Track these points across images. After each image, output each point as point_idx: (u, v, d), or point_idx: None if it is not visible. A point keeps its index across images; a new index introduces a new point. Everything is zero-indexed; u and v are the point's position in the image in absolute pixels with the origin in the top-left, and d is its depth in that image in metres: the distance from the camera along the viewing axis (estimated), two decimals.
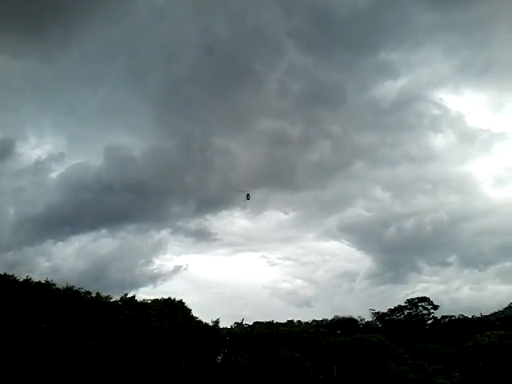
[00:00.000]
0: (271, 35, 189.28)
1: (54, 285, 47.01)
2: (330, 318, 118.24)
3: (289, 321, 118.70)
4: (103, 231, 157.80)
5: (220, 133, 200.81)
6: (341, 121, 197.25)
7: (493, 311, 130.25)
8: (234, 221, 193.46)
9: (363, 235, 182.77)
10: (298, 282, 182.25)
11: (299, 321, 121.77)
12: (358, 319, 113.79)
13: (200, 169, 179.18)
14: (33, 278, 46.37)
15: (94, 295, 49.38)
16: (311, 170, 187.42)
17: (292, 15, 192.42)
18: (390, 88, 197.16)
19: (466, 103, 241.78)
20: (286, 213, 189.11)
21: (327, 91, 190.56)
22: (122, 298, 54.50)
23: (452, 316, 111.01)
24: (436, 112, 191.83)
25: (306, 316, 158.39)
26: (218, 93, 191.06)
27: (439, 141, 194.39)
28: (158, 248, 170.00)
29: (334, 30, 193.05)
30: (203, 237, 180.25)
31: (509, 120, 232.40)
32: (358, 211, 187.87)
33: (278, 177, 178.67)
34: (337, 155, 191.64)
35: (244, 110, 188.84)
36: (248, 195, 58.68)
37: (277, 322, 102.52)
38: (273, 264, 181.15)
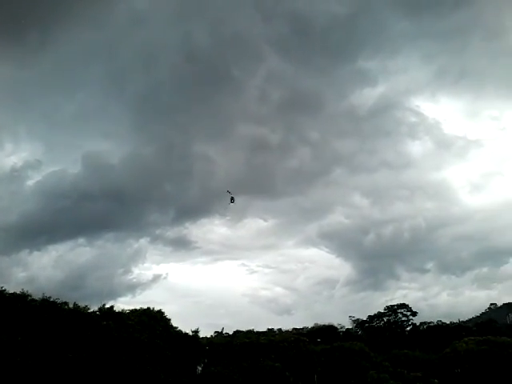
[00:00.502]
0: (251, 42, 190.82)
1: (29, 296, 45.91)
2: (310, 325, 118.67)
3: (269, 329, 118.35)
4: (81, 240, 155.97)
5: (199, 139, 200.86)
6: (320, 127, 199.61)
7: (470, 317, 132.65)
8: (213, 229, 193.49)
9: (343, 242, 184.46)
10: (278, 289, 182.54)
11: (279, 329, 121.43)
12: (338, 326, 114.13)
13: (179, 176, 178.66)
14: (7, 289, 45.30)
15: (71, 306, 48.42)
16: (291, 176, 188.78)
17: (271, 22, 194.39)
18: (367, 95, 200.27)
19: (443, 110, 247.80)
20: (265, 220, 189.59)
21: (306, 98, 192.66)
22: (100, 309, 53.50)
23: (430, 322, 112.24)
24: (413, 119, 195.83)
25: (286, 324, 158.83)
26: (198, 99, 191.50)
27: (416, 148, 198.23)
28: (137, 257, 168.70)
29: (313, 38, 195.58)
30: (183, 245, 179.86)
31: (484, 127, 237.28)
32: (338, 218, 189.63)
33: (257, 184, 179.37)
34: (316, 162, 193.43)
35: (224, 116, 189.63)
36: (232, 198, 57.57)
37: (257, 331, 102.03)
38: (252, 272, 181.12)
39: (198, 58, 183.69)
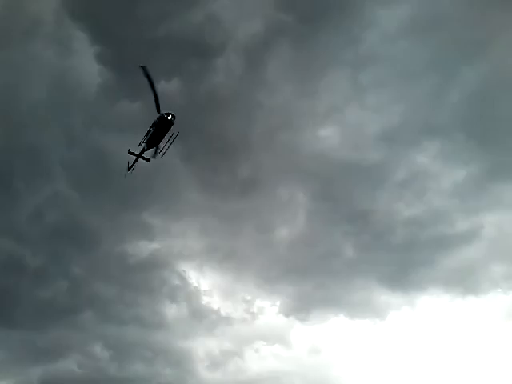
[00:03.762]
0: (44, 159, 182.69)
1: None
2: None
3: None
4: None
5: None
6: (86, 266, 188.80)
7: None
8: None
9: None
10: None
11: None
12: None
13: None
14: None
15: None
16: (37, 307, 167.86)
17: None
18: (142, 248, 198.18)
19: (206, 282, 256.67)
20: None
21: (82, 232, 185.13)
22: None
23: None
24: (176, 282, 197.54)
25: None
26: None
27: (172, 311, 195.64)
28: None
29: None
30: None
31: (235, 307, 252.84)
32: (70, 365, 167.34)
33: None
34: (70, 299, 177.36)
35: None
36: None
37: None
38: None
39: None
